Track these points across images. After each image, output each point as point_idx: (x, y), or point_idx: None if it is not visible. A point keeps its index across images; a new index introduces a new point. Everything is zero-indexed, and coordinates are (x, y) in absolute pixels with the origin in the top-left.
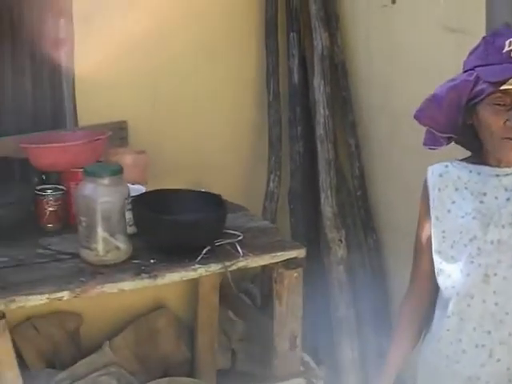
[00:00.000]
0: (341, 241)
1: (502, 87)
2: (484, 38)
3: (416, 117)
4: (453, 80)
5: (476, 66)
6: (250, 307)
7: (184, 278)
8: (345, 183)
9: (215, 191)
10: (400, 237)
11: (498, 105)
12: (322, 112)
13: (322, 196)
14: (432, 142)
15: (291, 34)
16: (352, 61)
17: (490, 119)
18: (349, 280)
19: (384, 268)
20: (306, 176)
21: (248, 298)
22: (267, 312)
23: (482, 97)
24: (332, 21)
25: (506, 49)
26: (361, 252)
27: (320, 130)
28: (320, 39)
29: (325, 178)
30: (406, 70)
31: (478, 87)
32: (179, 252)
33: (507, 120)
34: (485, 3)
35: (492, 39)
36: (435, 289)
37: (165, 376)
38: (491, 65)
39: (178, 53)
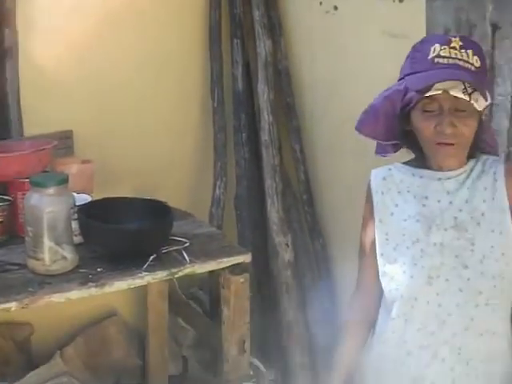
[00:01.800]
0: (287, 245)
1: (427, 94)
2: (413, 45)
3: (357, 129)
4: (387, 90)
5: (406, 75)
6: (199, 314)
7: (131, 286)
8: (290, 188)
9: (162, 198)
10: (346, 240)
11: (427, 111)
12: (266, 118)
13: (268, 201)
14: (381, 150)
15: (235, 40)
16: (295, 67)
17: (422, 125)
18: (297, 284)
19: (331, 271)
20: (252, 181)
21: (197, 304)
22: (216, 318)
23: (412, 105)
24: (275, 27)
25: (431, 55)
26: (308, 256)
27: (265, 136)
28: (263, 46)
29: (270, 184)
30: (348, 76)
31: (408, 95)
32: (126, 260)
33: (437, 125)
34: (425, 9)
35: (420, 46)
36: (381, 291)
37: None
38: (418, 72)
39: (122, 61)
